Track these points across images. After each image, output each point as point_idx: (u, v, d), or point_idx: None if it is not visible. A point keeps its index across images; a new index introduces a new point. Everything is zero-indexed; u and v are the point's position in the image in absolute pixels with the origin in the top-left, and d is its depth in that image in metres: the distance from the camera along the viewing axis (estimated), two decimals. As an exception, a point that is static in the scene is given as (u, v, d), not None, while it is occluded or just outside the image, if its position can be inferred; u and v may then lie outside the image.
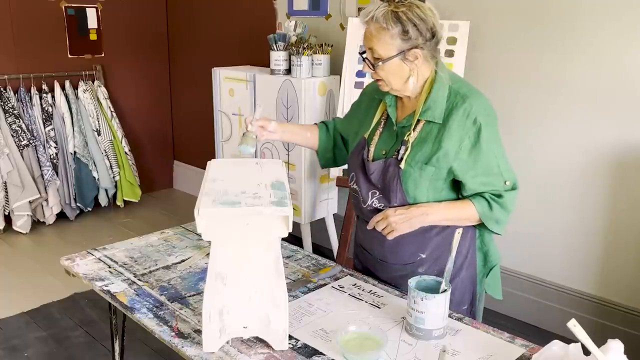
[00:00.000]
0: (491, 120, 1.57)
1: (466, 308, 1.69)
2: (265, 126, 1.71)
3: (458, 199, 1.61)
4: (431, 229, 1.62)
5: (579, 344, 1.18)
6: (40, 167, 4.07)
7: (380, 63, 1.53)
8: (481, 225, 1.62)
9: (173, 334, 1.42)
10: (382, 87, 1.60)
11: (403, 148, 1.57)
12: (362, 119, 1.76)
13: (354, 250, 1.90)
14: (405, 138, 1.58)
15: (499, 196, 1.56)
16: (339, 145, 1.88)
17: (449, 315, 1.49)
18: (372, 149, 1.66)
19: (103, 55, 4.51)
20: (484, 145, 1.53)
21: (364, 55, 1.57)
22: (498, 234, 1.65)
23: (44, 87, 4.10)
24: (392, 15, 1.48)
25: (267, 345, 1.36)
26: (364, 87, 1.84)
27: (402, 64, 1.53)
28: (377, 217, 1.59)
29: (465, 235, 1.63)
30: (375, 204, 1.64)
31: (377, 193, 1.63)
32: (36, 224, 4.22)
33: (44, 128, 4.09)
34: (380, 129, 1.67)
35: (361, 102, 1.81)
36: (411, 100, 1.62)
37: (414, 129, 1.58)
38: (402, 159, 1.57)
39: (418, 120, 1.58)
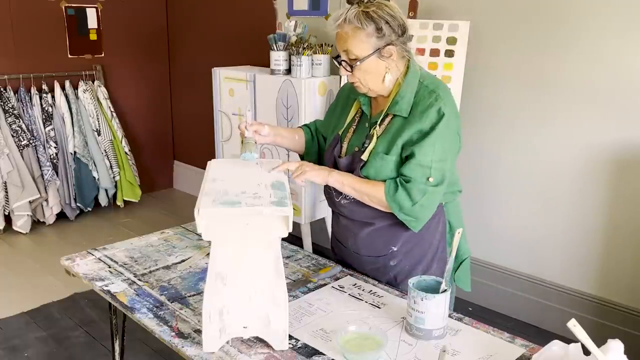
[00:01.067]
0: (453, 119, 1.58)
1: None
2: (258, 130, 1.74)
3: None
4: (402, 222, 1.63)
5: (579, 344, 1.18)
6: (40, 167, 4.07)
7: (357, 63, 1.56)
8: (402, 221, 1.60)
9: (173, 334, 1.42)
10: (359, 89, 1.64)
11: (367, 141, 1.63)
12: (338, 117, 1.80)
13: (331, 243, 1.95)
14: (371, 132, 1.63)
15: (408, 181, 1.55)
16: (322, 146, 1.91)
17: (449, 315, 1.49)
18: (345, 145, 1.71)
19: (103, 55, 4.51)
20: (436, 133, 1.53)
21: (340, 59, 1.60)
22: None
23: (44, 87, 4.10)
24: (364, 14, 1.52)
25: (267, 345, 1.36)
26: (341, 86, 1.88)
27: (379, 61, 1.57)
28: (294, 162, 1.64)
29: (435, 229, 1.69)
30: (347, 197, 1.68)
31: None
32: (36, 224, 4.21)
33: (44, 128, 4.09)
34: (354, 126, 1.72)
35: (338, 101, 1.85)
36: (385, 98, 1.65)
37: (380, 123, 1.62)
38: (364, 151, 1.61)
39: (387, 115, 1.62)
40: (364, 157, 1.62)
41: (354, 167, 1.64)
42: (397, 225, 1.64)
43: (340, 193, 1.68)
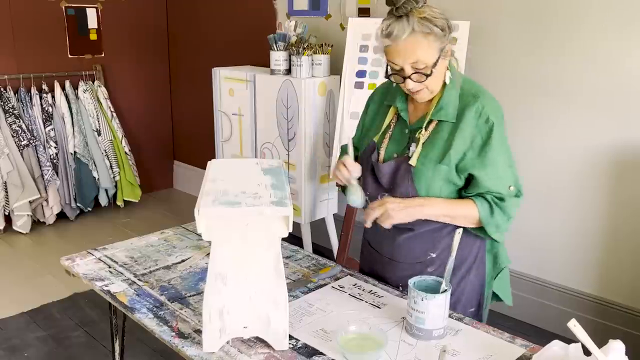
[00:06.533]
0: (501, 121, 1.56)
1: (473, 310, 1.68)
2: (355, 172, 1.65)
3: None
4: (442, 228, 1.61)
5: (579, 344, 1.18)
6: (40, 167, 4.07)
7: (432, 70, 1.49)
8: (479, 229, 1.58)
9: (173, 334, 1.42)
10: (421, 95, 1.55)
11: (414, 145, 1.57)
12: (370, 123, 1.75)
13: (361, 251, 1.88)
14: (417, 136, 1.57)
15: (501, 199, 1.54)
16: None
17: (450, 316, 1.49)
18: (382, 152, 1.65)
19: (103, 55, 4.51)
20: (494, 144, 1.52)
21: (410, 73, 1.49)
22: (496, 241, 1.63)
23: (44, 87, 4.10)
24: (425, 20, 1.46)
25: (267, 345, 1.36)
26: (370, 95, 1.81)
27: (443, 61, 1.52)
28: (374, 203, 1.56)
29: (476, 237, 1.62)
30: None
31: (387, 195, 1.61)
32: (36, 224, 4.21)
33: (44, 128, 4.09)
34: (390, 133, 1.66)
35: (368, 109, 1.78)
36: (424, 103, 1.60)
37: (426, 128, 1.57)
38: (412, 156, 1.56)
39: (430, 120, 1.57)
40: (412, 162, 1.55)
41: (398, 173, 1.59)
42: (438, 231, 1.60)
43: (377, 195, 1.63)
